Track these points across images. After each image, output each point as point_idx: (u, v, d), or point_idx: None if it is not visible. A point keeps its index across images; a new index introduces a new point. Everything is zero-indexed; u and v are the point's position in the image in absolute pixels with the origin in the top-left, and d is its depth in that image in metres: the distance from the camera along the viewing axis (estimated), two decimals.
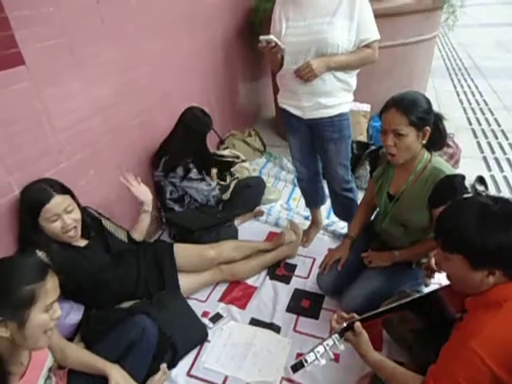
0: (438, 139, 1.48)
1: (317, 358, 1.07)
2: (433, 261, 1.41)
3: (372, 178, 1.74)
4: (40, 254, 1.42)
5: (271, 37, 1.53)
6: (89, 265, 1.57)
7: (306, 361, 1.07)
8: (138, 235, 1.88)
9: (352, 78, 1.75)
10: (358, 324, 1.14)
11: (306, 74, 1.61)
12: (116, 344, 1.39)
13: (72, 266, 1.52)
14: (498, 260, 0.97)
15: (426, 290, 1.71)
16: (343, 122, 1.78)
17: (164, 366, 1.51)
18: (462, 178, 1.44)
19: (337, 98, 1.73)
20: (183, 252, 1.89)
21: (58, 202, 1.47)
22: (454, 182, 1.42)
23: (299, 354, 1.62)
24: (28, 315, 0.95)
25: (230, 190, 2.50)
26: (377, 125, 3.01)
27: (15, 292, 0.95)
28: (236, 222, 2.39)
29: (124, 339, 1.39)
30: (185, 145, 2.17)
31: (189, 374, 1.57)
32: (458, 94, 4.44)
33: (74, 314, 1.65)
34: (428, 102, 1.44)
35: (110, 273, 1.65)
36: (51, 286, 1.00)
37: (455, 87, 4.74)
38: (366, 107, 3.00)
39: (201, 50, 2.75)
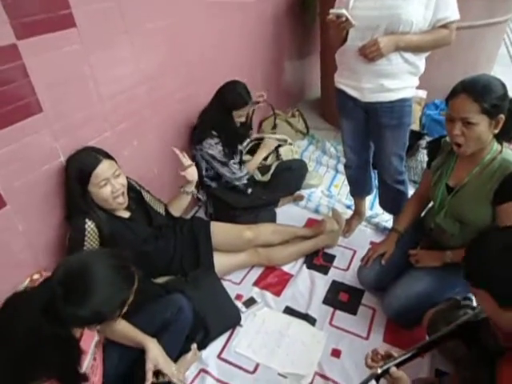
0: (510, 128, 1.30)
1: None
2: None
3: (430, 168, 1.59)
4: (89, 222, 1.43)
5: (343, 11, 1.38)
6: (133, 236, 1.56)
7: None
8: (175, 211, 1.84)
9: (421, 61, 1.59)
10: (393, 369, 1.03)
11: (371, 53, 1.47)
12: (151, 320, 1.38)
13: (117, 236, 1.50)
14: None
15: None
16: (405, 108, 1.63)
17: (195, 346, 1.49)
18: None
19: (401, 80, 1.58)
20: (220, 230, 1.85)
21: (107, 166, 1.45)
22: None
23: (334, 350, 1.55)
24: (119, 316, 1.03)
25: (271, 171, 2.41)
26: (432, 113, 2.81)
27: (111, 306, 0.97)
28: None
29: (159, 317, 1.38)
30: (214, 116, 2.06)
31: (219, 357, 1.54)
32: None
33: None
34: (503, 86, 1.27)
35: (151, 245, 1.63)
36: (136, 284, 1.05)
37: None
38: (422, 93, 2.79)
39: (250, 25, 2.63)
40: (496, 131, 1.28)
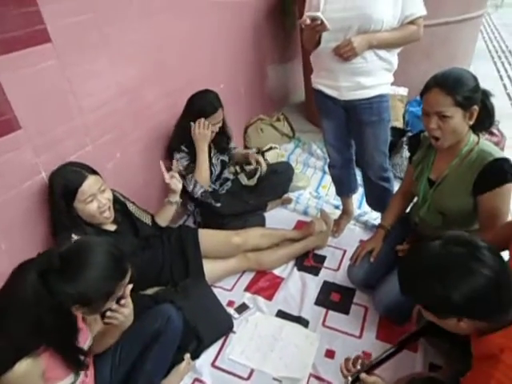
0: (485, 119, 1.33)
1: None
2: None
3: (411, 163, 1.60)
4: (75, 237, 1.42)
5: (319, 14, 1.39)
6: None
7: None
8: (162, 222, 1.83)
9: (394, 57, 1.62)
10: (363, 375, 1.05)
11: (346, 53, 1.49)
12: (141, 332, 1.36)
13: None
14: (455, 310, 0.90)
15: None
16: (382, 104, 1.65)
17: (188, 356, 1.48)
18: (510, 161, 1.29)
19: (377, 77, 1.60)
20: (208, 237, 1.84)
21: (92, 182, 1.45)
22: (504, 166, 1.28)
23: (328, 350, 1.55)
24: (103, 305, 1.05)
25: (257, 176, 2.41)
26: (414, 110, 2.84)
27: (97, 290, 0.99)
28: None
29: (149, 328, 1.36)
30: (183, 126, 2.01)
31: (213, 365, 1.53)
32: (502, 79, 4.16)
33: None
34: (475, 78, 1.29)
35: (139, 257, 1.62)
36: (127, 280, 1.07)
37: (498, 71, 4.43)
38: (403, 91, 2.83)
39: (229, 31, 2.65)
40: (471, 122, 1.30)
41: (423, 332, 1.14)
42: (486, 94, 1.32)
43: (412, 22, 1.54)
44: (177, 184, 1.76)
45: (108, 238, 1.13)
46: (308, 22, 1.42)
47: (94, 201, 1.45)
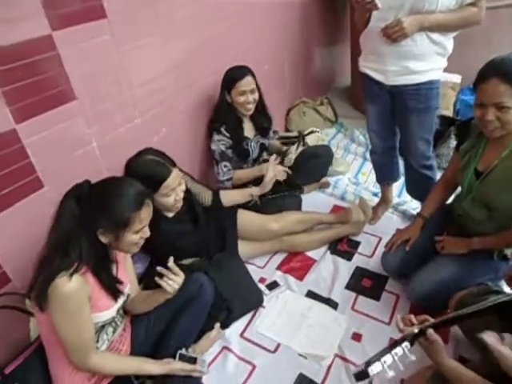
0: None
1: (383, 368, 0.95)
2: None
3: (458, 152, 1.53)
4: None
5: None
6: (171, 235, 1.59)
7: (371, 370, 0.94)
8: (226, 202, 1.83)
9: (449, 41, 1.54)
10: (431, 331, 1.00)
11: (394, 33, 1.44)
12: (174, 298, 1.42)
13: (160, 236, 1.52)
14: None
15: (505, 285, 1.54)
16: (432, 91, 1.59)
17: (218, 325, 1.55)
18: None
19: (428, 62, 1.53)
20: (246, 220, 1.86)
21: (175, 175, 1.47)
22: None
23: (355, 334, 1.56)
24: (123, 234, 1.12)
25: (292, 158, 2.39)
26: (466, 98, 2.70)
27: (115, 215, 1.10)
28: None
29: (182, 294, 1.42)
30: (219, 103, 2.03)
31: (242, 336, 1.59)
32: None
33: (139, 263, 1.74)
34: None
35: (188, 241, 1.67)
36: (145, 214, 1.15)
37: None
38: (456, 78, 2.69)
39: (277, 11, 2.61)
40: None
41: (493, 310, 1.06)
42: None
43: (472, 4, 1.44)
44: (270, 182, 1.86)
45: (136, 181, 1.19)
46: None
47: (173, 194, 1.48)
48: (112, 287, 1.17)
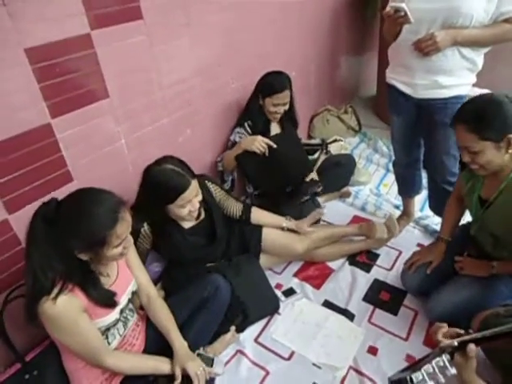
0: None
1: (424, 378, 0.90)
2: None
3: (461, 175, 1.52)
4: (146, 227, 1.50)
5: (403, 5, 1.34)
6: (186, 251, 1.59)
7: (411, 380, 0.90)
8: (256, 221, 1.79)
9: (480, 57, 1.52)
10: (472, 346, 0.93)
11: (427, 47, 1.42)
12: (191, 298, 1.45)
13: (171, 248, 1.58)
14: None
15: None
16: (459, 106, 1.56)
17: (233, 328, 1.55)
18: None
19: (457, 77, 1.51)
20: (271, 239, 1.80)
21: (193, 187, 1.43)
22: None
23: (371, 347, 1.54)
24: (102, 251, 1.08)
25: (317, 165, 2.41)
26: None
27: (89, 236, 1.05)
28: (320, 200, 2.30)
29: (198, 295, 1.45)
30: (249, 103, 2.06)
31: (256, 341, 1.59)
32: None
33: (158, 262, 1.76)
34: (506, 104, 1.18)
35: (200, 253, 1.65)
36: (121, 229, 1.08)
37: None
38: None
39: (307, 18, 2.62)
40: (511, 150, 1.21)
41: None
42: None
43: (507, 20, 1.41)
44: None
45: (104, 191, 1.12)
46: (391, 12, 1.38)
47: (189, 205, 1.46)
48: (102, 301, 1.13)
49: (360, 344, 1.54)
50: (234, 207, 1.77)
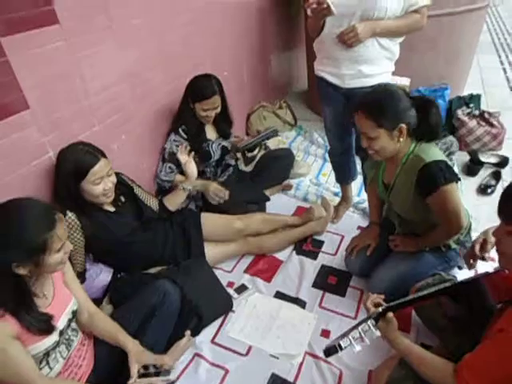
0: (426, 131, 1.37)
1: (351, 343, 1.02)
2: (477, 247, 1.32)
3: (364, 166, 1.69)
4: (69, 213, 1.46)
5: None
6: (115, 229, 1.59)
7: (339, 346, 1.01)
8: (171, 206, 1.88)
9: (396, 46, 1.65)
10: (390, 314, 1.09)
11: (350, 39, 1.52)
12: (139, 308, 1.41)
13: (99, 228, 1.54)
14: None
15: (459, 274, 1.65)
16: None
17: (188, 332, 1.53)
18: (442, 162, 1.34)
19: (379, 66, 1.63)
20: (210, 221, 1.88)
21: (103, 164, 1.49)
22: (433, 170, 1.33)
23: (324, 330, 1.60)
24: (43, 259, 1.03)
25: (255, 161, 2.45)
26: None
27: (30, 242, 1.00)
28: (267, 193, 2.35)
29: (146, 303, 1.41)
30: (180, 109, 2.07)
31: (213, 342, 1.59)
32: (505, 71, 4.14)
33: (103, 275, 1.68)
34: (403, 96, 1.33)
35: (138, 237, 1.67)
36: (61, 230, 1.05)
37: (502, 63, 4.41)
38: (406, 81, 2.82)
39: (234, 18, 2.65)
40: (402, 139, 1.35)
41: (444, 292, 1.18)
42: (429, 106, 1.35)
43: (416, 11, 1.56)
44: (193, 169, 1.82)
45: (30, 197, 1.09)
46: (314, 5, 1.44)
47: (101, 183, 1.50)
48: (37, 327, 1.04)
49: (313, 329, 1.60)
50: (151, 201, 1.82)
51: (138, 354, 1.26)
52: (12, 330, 1.00)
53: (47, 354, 1.11)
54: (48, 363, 1.12)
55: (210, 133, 2.17)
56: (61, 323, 1.15)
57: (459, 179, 1.37)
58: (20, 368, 1.02)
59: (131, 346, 1.27)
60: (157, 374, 1.31)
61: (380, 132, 1.33)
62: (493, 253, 1.19)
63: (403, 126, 1.33)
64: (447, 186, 1.33)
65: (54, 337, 1.11)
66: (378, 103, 1.32)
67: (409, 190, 1.42)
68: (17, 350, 1.01)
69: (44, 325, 1.07)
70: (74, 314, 1.23)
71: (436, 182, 1.33)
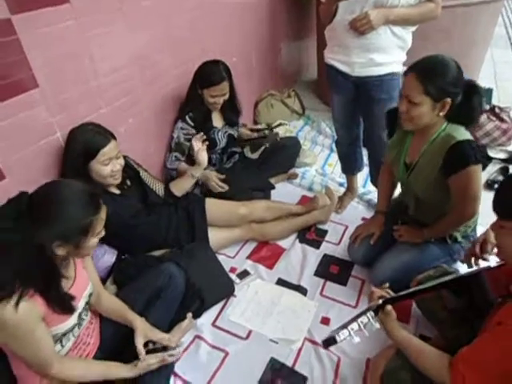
0: (464, 114, 1.34)
1: (350, 334, 1.02)
2: (477, 248, 1.32)
3: (388, 144, 1.63)
4: None
5: None
6: (121, 211, 1.60)
7: (338, 336, 1.02)
8: (178, 192, 1.88)
9: (409, 35, 1.62)
10: (389, 307, 1.10)
11: (362, 26, 1.50)
12: (144, 289, 1.43)
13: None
14: None
15: (461, 267, 1.65)
16: (394, 82, 1.66)
17: (190, 315, 1.55)
18: (474, 143, 1.33)
19: (390, 55, 1.61)
20: (215, 206, 1.89)
21: (113, 146, 1.51)
22: (465, 149, 1.31)
23: (324, 318, 1.61)
24: (84, 241, 1.06)
25: (262, 149, 2.44)
26: None
27: (77, 222, 1.02)
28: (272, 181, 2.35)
29: (151, 285, 1.43)
30: (188, 94, 2.07)
31: (214, 325, 1.61)
32: None
33: (108, 256, 1.70)
34: (458, 71, 1.29)
35: (142, 219, 1.68)
36: (104, 214, 1.10)
37: None
38: None
39: (244, 4, 2.62)
40: (442, 114, 1.32)
41: (445, 286, 1.19)
42: (474, 89, 1.32)
43: (430, 0, 1.53)
44: (204, 158, 1.82)
45: (77, 181, 1.11)
46: None
47: (110, 164, 1.52)
48: (62, 307, 1.07)
49: (313, 316, 1.62)
50: (157, 186, 1.83)
51: (145, 331, 1.29)
52: (40, 311, 1.02)
53: (64, 334, 1.13)
54: (61, 341, 1.15)
55: (217, 120, 2.17)
56: (79, 306, 1.17)
57: (487, 164, 1.35)
58: (41, 349, 1.05)
59: (139, 322, 1.30)
60: (164, 349, 1.33)
61: (424, 99, 1.29)
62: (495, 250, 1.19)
63: (448, 100, 1.29)
64: (476, 166, 1.32)
65: (73, 320, 1.14)
66: (436, 69, 1.28)
67: (433, 167, 1.39)
68: (42, 331, 1.03)
69: (68, 304, 1.09)
70: (90, 297, 1.25)
71: (467, 160, 1.31)
